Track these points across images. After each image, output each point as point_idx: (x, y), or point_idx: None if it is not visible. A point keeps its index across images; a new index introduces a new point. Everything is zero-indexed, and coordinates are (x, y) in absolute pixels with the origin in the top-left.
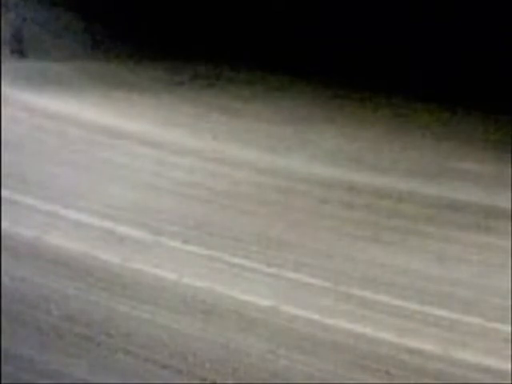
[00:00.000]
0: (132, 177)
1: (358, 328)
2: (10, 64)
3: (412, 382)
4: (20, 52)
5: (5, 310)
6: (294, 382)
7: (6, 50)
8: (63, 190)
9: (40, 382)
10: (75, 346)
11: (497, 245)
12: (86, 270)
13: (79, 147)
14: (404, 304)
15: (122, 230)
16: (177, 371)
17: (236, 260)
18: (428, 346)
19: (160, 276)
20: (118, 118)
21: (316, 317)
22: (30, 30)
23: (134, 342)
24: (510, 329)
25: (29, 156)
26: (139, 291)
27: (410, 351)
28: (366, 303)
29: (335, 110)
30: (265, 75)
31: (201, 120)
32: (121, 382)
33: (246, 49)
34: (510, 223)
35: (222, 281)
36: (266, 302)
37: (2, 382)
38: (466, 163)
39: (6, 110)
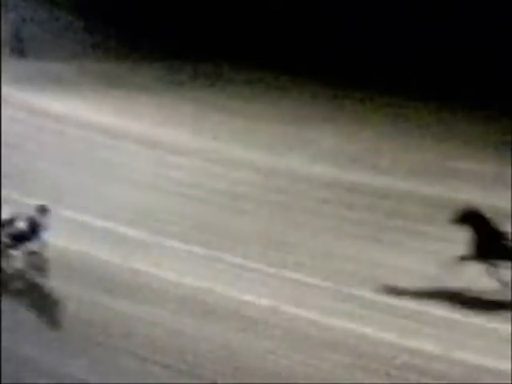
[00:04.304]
0: (132, 177)
1: (358, 328)
2: (10, 64)
3: (412, 382)
4: (20, 52)
5: (5, 310)
6: (293, 382)
7: (5, 50)
8: (63, 189)
9: (40, 382)
10: (75, 346)
11: None
12: (85, 269)
13: (79, 147)
14: (404, 304)
15: (122, 229)
16: (177, 371)
17: (236, 260)
18: (428, 346)
19: (160, 276)
20: (118, 118)
21: (316, 317)
22: (30, 30)
23: (134, 341)
24: (510, 329)
25: (29, 156)
26: (139, 291)
27: (410, 351)
28: (365, 303)
29: (335, 110)
30: (265, 75)
31: (201, 120)
32: (121, 382)
33: (246, 49)
34: (510, 223)
35: (222, 281)
36: (266, 302)
37: (2, 381)
38: (466, 163)
39: (6, 110)
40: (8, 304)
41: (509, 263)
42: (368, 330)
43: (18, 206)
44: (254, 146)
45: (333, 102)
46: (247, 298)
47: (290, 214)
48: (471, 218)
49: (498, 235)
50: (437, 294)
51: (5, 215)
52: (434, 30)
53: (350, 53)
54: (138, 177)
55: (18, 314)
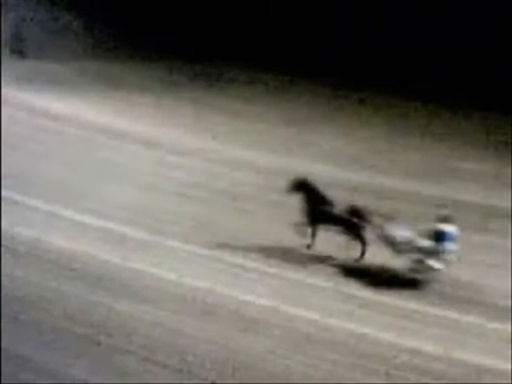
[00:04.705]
0: (132, 177)
1: (358, 328)
2: (10, 64)
3: (412, 382)
4: (20, 52)
5: (5, 310)
6: (293, 381)
7: (6, 50)
8: (63, 189)
9: (40, 382)
10: (75, 346)
11: (497, 245)
12: (86, 270)
13: (79, 147)
14: (404, 304)
15: (122, 229)
16: (177, 371)
17: (236, 260)
18: (428, 346)
19: (160, 276)
20: (118, 118)
21: (316, 317)
22: (30, 30)
23: (134, 342)
24: (510, 329)
25: (29, 156)
26: (139, 291)
27: (410, 351)
28: (366, 303)
29: (335, 110)
30: (265, 76)
31: (201, 120)
32: (121, 381)
33: (246, 49)
34: (510, 223)
35: (222, 281)
36: (266, 302)
37: (2, 381)
38: (466, 163)
39: (5, 109)
40: (8, 304)
41: (332, 227)
42: (368, 330)
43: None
44: (254, 146)
45: (333, 102)
46: (247, 298)
47: (290, 214)
48: (302, 187)
49: (325, 202)
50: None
51: None
52: (433, 30)
53: (350, 53)
54: (137, 177)
55: (18, 314)
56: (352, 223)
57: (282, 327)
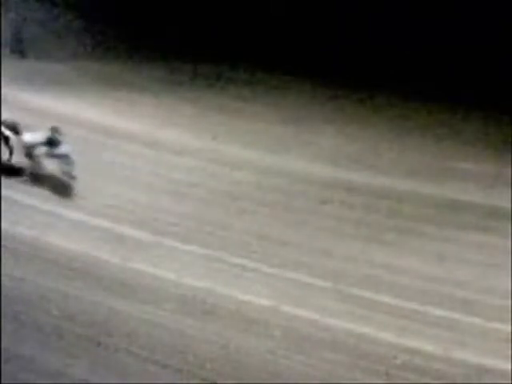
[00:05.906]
0: (132, 177)
1: (358, 328)
2: (10, 64)
3: (412, 382)
4: (20, 52)
5: (5, 310)
6: (293, 381)
7: (6, 50)
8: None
9: (40, 382)
10: (75, 346)
11: (497, 245)
12: (86, 269)
13: (79, 147)
14: (404, 304)
15: (122, 229)
16: (177, 371)
17: (236, 260)
18: (428, 346)
19: (160, 276)
20: (118, 117)
21: (316, 317)
22: (30, 30)
23: (134, 341)
24: (510, 329)
25: None
26: (139, 291)
27: (410, 351)
28: (365, 303)
29: (335, 110)
30: (265, 75)
31: (201, 120)
32: (121, 382)
33: (246, 49)
34: (510, 223)
35: (222, 281)
36: (266, 302)
37: (2, 381)
38: (466, 163)
39: (5, 110)
40: (8, 304)
41: None
42: (368, 330)
43: None
44: (254, 146)
45: (333, 102)
46: (247, 297)
47: (290, 214)
48: None
49: None
50: None
51: None
52: (433, 30)
53: (350, 53)
54: (137, 177)
55: (18, 314)
56: (3, 135)
57: (282, 327)
